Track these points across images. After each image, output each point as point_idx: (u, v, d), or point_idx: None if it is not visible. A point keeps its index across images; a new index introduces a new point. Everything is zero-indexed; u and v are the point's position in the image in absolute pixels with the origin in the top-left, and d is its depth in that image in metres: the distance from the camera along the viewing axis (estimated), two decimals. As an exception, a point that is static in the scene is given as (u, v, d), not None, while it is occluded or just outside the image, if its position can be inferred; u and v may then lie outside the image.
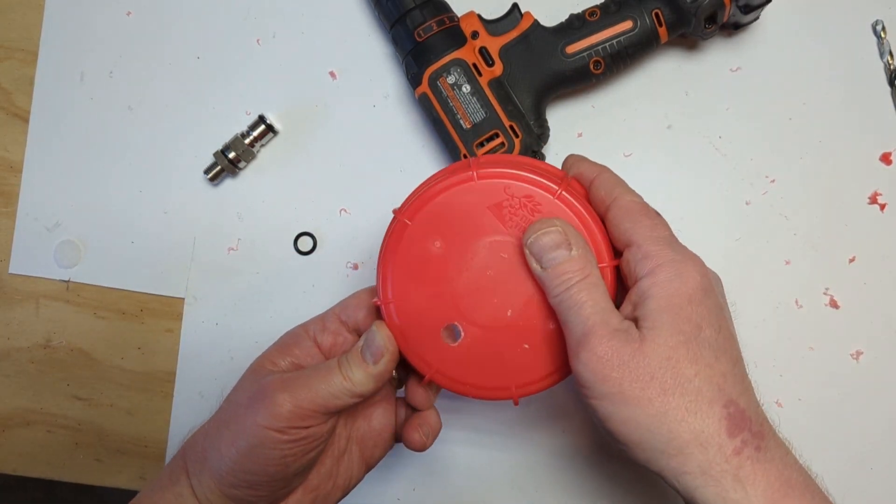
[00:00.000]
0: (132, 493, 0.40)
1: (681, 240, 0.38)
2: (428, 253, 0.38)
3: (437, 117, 0.48)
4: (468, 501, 0.53)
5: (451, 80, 0.48)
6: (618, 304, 0.37)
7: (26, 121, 0.55)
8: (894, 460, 0.51)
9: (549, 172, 0.40)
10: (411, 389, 0.42)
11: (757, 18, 0.50)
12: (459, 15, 0.50)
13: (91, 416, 0.55)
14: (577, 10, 0.49)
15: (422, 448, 0.42)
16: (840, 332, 0.51)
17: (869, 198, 0.52)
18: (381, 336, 0.39)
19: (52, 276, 0.55)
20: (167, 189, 0.55)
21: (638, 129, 0.53)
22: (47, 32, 0.56)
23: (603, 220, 0.39)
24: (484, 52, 0.48)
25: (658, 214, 0.38)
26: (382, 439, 0.44)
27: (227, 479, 0.38)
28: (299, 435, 0.37)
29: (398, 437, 0.44)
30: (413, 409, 0.43)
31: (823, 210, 0.52)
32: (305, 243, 0.54)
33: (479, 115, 0.48)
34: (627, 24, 0.47)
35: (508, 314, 0.38)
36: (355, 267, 0.54)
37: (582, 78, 0.49)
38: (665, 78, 0.53)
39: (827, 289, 0.52)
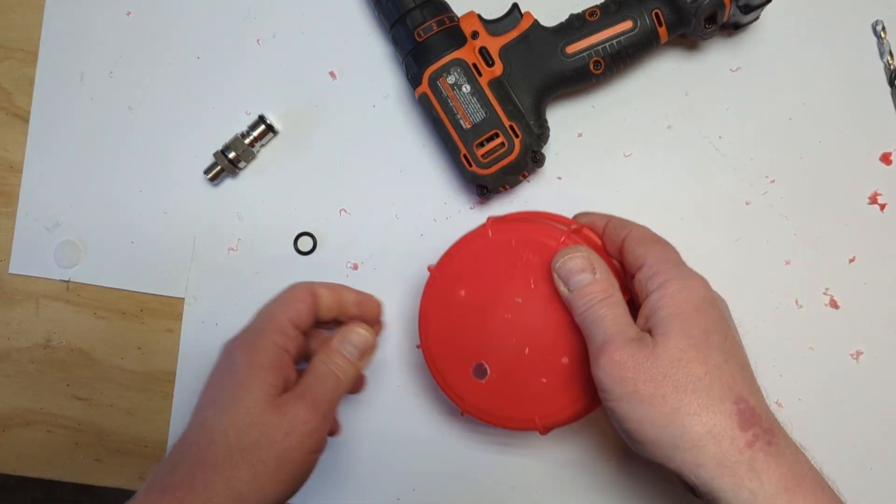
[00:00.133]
0: (132, 493, 0.40)
1: (681, 239, 0.41)
2: (456, 301, 0.44)
3: (437, 117, 0.48)
4: (468, 501, 0.53)
5: (451, 80, 0.48)
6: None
7: (26, 121, 0.55)
8: (894, 460, 0.51)
9: (561, 222, 0.45)
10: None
11: (757, 18, 0.50)
12: (459, 15, 0.50)
13: (91, 416, 0.55)
14: (577, 10, 0.49)
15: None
16: (840, 332, 0.51)
17: (869, 198, 0.52)
18: (370, 336, 0.44)
19: (52, 276, 0.55)
20: (167, 189, 0.55)
21: (638, 129, 0.53)
22: (47, 32, 0.56)
23: (619, 251, 0.42)
24: (484, 52, 0.48)
25: (668, 242, 0.42)
26: None
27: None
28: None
29: None
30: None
31: (823, 210, 0.52)
32: (305, 243, 0.54)
33: (479, 115, 0.48)
34: (627, 24, 0.47)
35: (526, 352, 0.43)
36: (355, 267, 0.54)
37: (582, 78, 0.49)
38: (665, 78, 0.53)
39: (827, 289, 0.52)
